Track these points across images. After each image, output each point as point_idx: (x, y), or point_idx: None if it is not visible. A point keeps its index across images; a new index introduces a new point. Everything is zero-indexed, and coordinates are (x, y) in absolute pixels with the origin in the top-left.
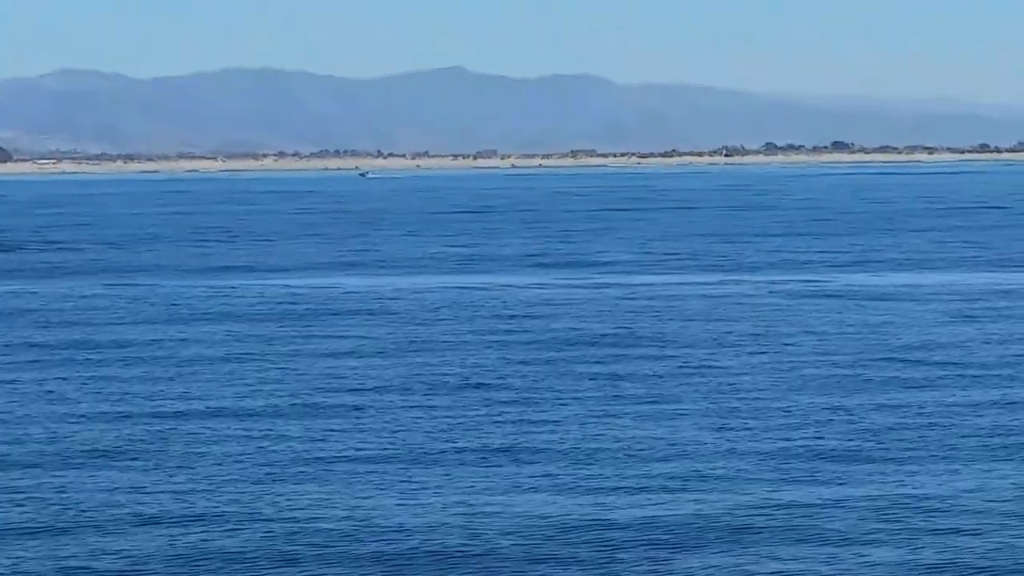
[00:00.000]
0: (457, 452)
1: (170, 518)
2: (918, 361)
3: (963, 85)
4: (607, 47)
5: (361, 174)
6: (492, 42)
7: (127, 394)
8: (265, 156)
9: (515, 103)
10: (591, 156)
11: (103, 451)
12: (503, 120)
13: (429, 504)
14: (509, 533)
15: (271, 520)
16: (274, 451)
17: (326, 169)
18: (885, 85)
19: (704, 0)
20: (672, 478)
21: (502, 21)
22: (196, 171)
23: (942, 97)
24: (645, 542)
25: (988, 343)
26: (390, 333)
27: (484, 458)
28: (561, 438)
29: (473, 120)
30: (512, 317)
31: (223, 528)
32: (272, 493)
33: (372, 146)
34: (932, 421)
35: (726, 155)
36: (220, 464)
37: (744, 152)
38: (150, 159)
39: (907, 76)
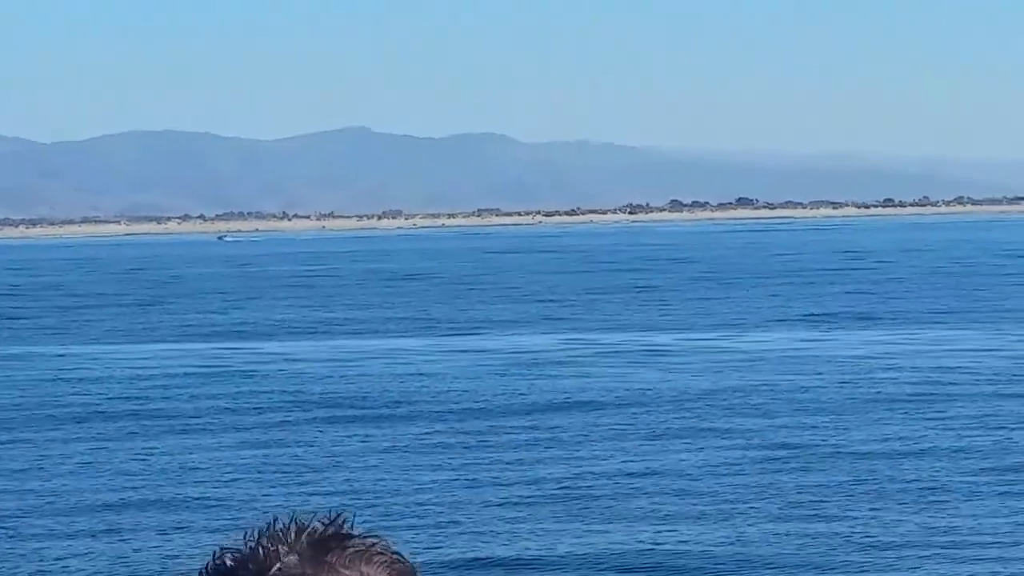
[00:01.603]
0: None
1: None
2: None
3: (869, 140)
4: (511, 105)
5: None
6: (396, 102)
7: None
8: (168, 220)
9: (421, 162)
10: (496, 215)
11: None
12: (409, 179)
13: None
14: None
15: None
16: None
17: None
18: (792, 140)
19: (606, 58)
20: None
21: (406, 81)
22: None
23: (848, 153)
24: None
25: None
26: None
27: None
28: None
29: (379, 180)
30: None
31: None
32: None
33: (277, 207)
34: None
35: (630, 212)
36: None
37: (649, 209)
38: (53, 224)
39: (814, 131)
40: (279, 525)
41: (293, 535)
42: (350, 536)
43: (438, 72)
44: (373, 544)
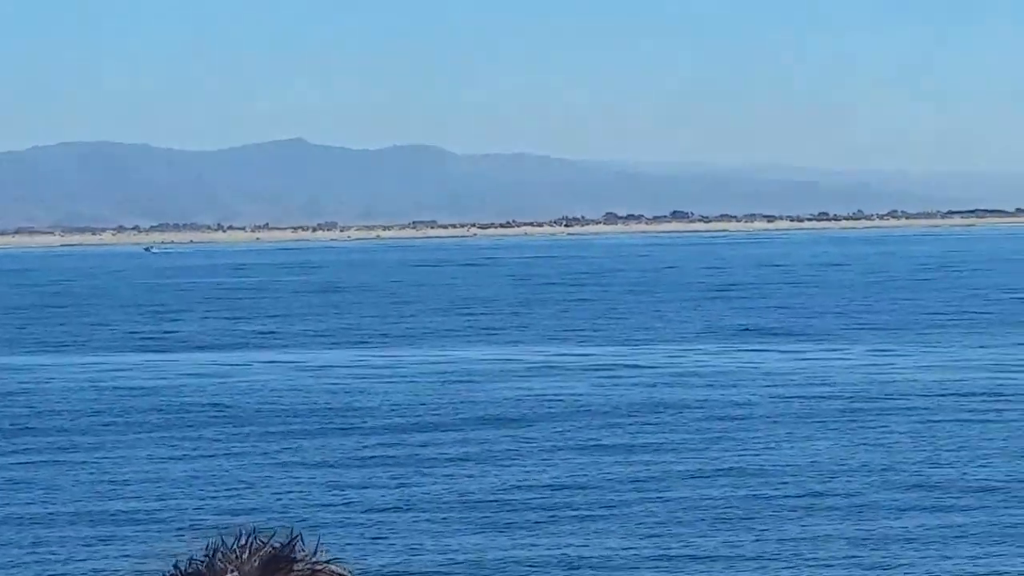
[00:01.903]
0: None
1: None
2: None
3: (805, 154)
4: (447, 118)
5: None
6: (332, 113)
7: None
8: (103, 231)
9: (356, 174)
10: (431, 227)
11: None
12: (345, 191)
13: None
14: None
15: None
16: None
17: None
18: (726, 154)
19: (543, 71)
20: None
21: (342, 93)
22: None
23: (784, 166)
24: None
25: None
26: None
27: None
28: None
29: (315, 192)
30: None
31: None
32: None
33: (213, 219)
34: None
35: (566, 225)
36: None
37: (584, 222)
38: None
39: (748, 145)
40: (233, 543)
41: (245, 555)
42: (295, 560)
43: (374, 84)
44: (319, 568)
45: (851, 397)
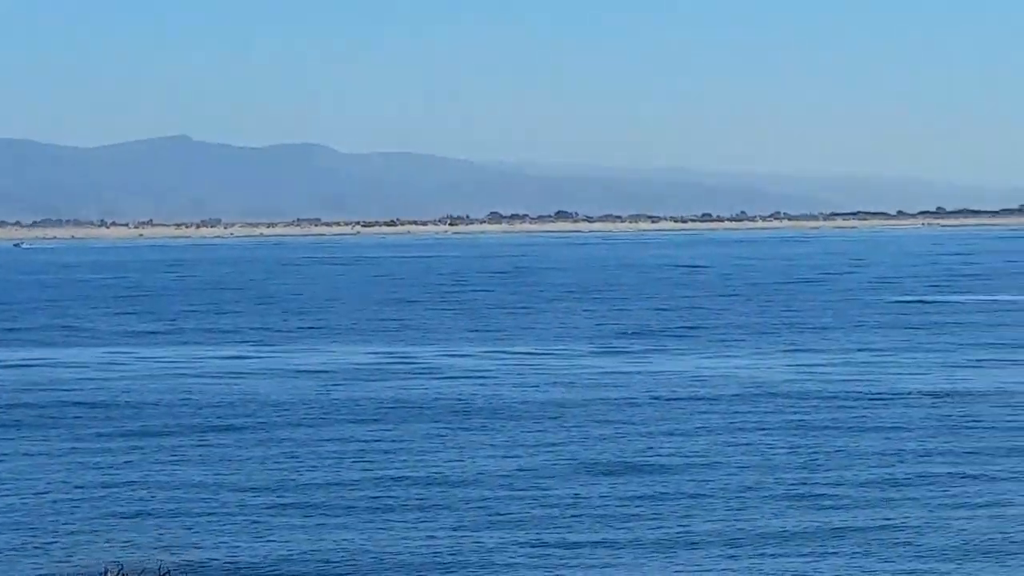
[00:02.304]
0: None
1: None
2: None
3: (689, 155)
4: (331, 116)
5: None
6: (217, 111)
7: None
8: None
9: (241, 172)
10: (315, 225)
11: None
12: (229, 189)
13: None
14: None
15: None
16: None
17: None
18: (612, 154)
19: (427, 68)
20: None
21: (227, 90)
22: None
23: (669, 167)
24: None
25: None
26: None
27: None
28: None
29: (199, 189)
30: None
31: None
32: None
33: (97, 215)
34: None
35: (451, 224)
36: None
37: (469, 221)
38: None
39: (634, 145)
40: None
41: None
42: None
43: (260, 82)
44: None
45: (732, 397)
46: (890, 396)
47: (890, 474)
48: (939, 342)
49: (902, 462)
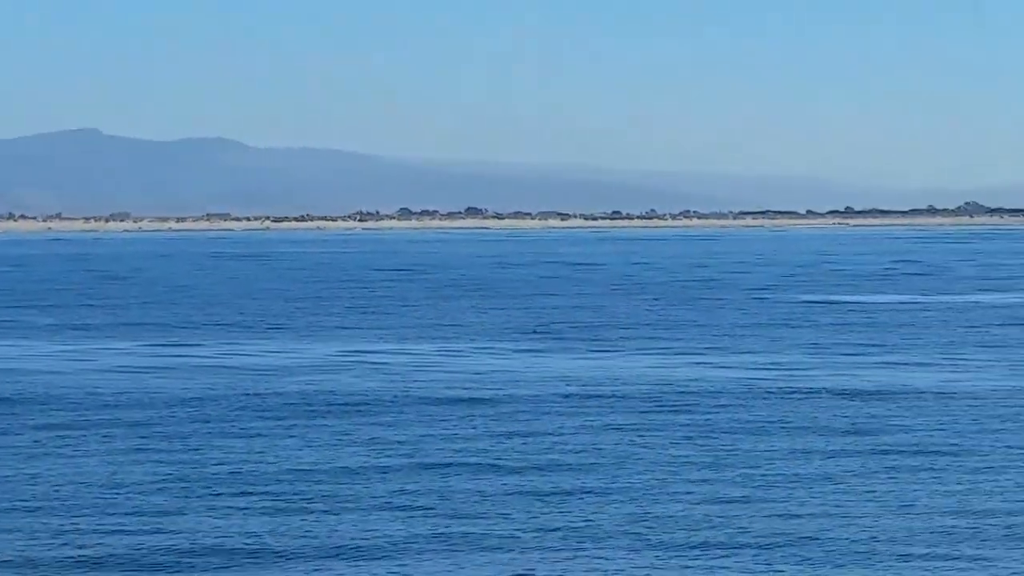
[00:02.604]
0: None
1: None
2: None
3: (599, 154)
4: (242, 110)
5: None
6: (126, 104)
7: None
8: None
9: (150, 165)
10: (225, 219)
11: None
12: (138, 182)
13: None
14: None
15: None
16: None
17: None
18: (519, 151)
19: (331, 67)
20: None
21: (136, 83)
22: None
23: (579, 165)
24: None
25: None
26: None
27: None
28: None
29: (108, 182)
30: None
31: None
32: None
33: (3, 209)
34: None
35: (360, 220)
36: None
37: (379, 217)
38: None
39: (543, 142)
40: None
41: None
42: None
43: (170, 75)
44: None
45: (621, 397)
46: (800, 395)
47: (796, 474)
48: (847, 341)
49: (808, 461)
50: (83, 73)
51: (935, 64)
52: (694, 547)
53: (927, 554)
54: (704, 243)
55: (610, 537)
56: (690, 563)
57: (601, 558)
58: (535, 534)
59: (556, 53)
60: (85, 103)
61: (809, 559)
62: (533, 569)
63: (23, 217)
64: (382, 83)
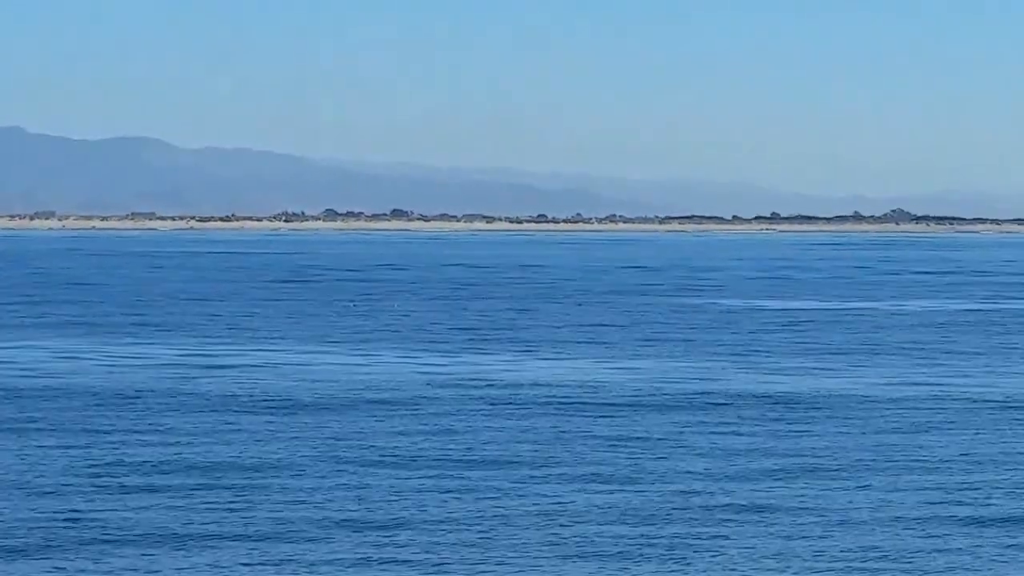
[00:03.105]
0: None
1: None
2: None
3: (524, 158)
4: (167, 110)
5: None
6: (52, 102)
7: None
8: None
9: (76, 164)
10: (150, 219)
11: None
12: (63, 181)
13: None
14: None
15: None
16: None
17: None
18: (444, 155)
19: (260, 68)
20: None
21: (62, 81)
22: None
23: (504, 169)
24: None
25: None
26: None
27: None
28: None
29: (32, 181)
30: None
31: None
32: None
33: None
34: None
35: (286, 220)
36: None
37: (304, 218)
38: None
39: (465, 146)
40: None
41: None
42: None
43: (95, 73)
44: None
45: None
46: (721, 400)
47: (715, 482)
48: (770, 346)
49: (731, 465)
50: (7, 70)
51: (871, 69)
52: (606, 548)
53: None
54: (610, 247)
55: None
56: (604, 563)
57: (514, 554)
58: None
59: (479, 63)
60: (9, 100)
61: (725, 565)
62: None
63: None
64: (306, 84)
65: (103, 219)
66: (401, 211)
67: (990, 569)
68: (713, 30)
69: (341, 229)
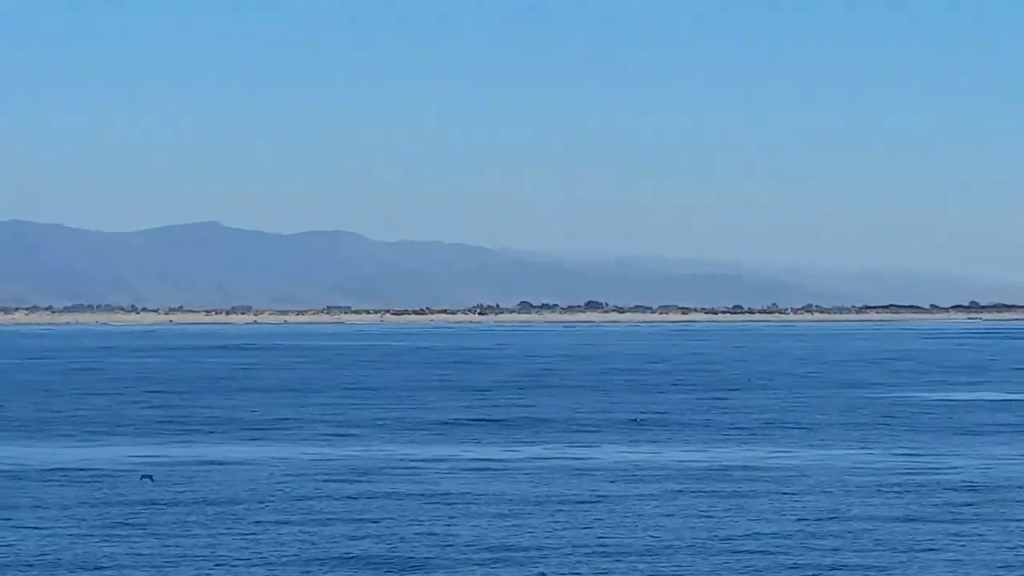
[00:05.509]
0: None
1: None
2: None
3: (722, 248)
4: (361, 203)
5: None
6: (247, 197)
7: None
8: (16, 310)
9: (270, 258)
10: (345, 312)
11: None
12: (258, 275)
13: None
14: None
15: None
16: None
17: None
18: (642, 245)
19: (458, 159)
20: None
21: (257, 176)
22: None
23: (699, 258)
24: None
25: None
26: None
27: None
28: None
29: (228, 275)
30: None
31: None
32: None
33: (126, 300)
34: None
35: (480, 313)
36: None
37: (499, 310)
38: None
39: (664, 237)
40: None
41: None
42: None
43: (290, 168)
44: None
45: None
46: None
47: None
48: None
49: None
50: (204, 166)
51: None
52: None
53: None
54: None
55: None
56: None
57: None
58: None
59: (691, 149)
60: (205, 195)
61: None
62: None
63: (145, 310)
64: (499, 179)
65: (298, 313)
66: (596, 303)
67: None
68: (906, 116)
69: (535, 321)
